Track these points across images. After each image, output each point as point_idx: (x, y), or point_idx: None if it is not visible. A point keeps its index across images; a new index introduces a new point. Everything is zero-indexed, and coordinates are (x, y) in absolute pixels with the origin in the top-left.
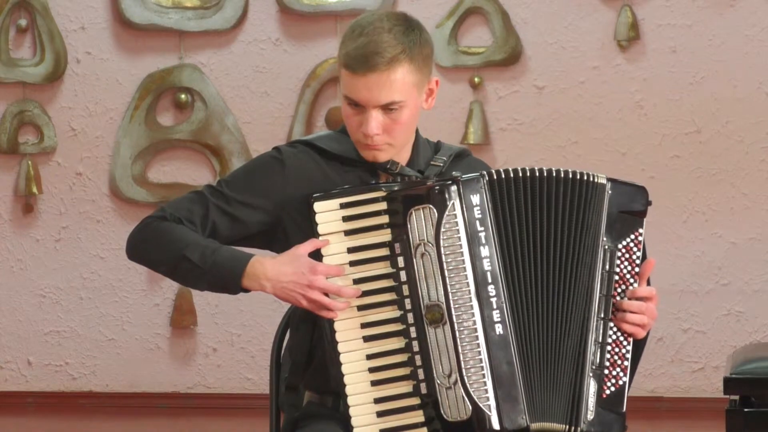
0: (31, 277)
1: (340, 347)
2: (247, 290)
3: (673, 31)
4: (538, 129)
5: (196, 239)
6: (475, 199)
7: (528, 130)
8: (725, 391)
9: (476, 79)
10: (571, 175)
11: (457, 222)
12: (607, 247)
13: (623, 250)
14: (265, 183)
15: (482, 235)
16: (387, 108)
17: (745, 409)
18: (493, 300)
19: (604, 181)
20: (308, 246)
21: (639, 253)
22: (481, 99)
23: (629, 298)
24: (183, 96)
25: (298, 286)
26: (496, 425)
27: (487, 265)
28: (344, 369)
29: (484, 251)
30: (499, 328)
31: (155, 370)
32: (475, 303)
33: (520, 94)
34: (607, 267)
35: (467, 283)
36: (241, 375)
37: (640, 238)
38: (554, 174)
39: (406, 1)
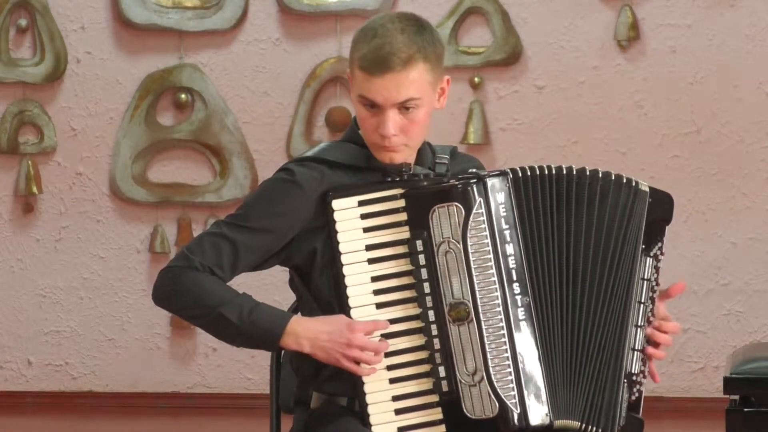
0: (31, 277)
1: None
2: (283, 348)
3: (673, 31)
4: (538, 129)
5: (231, 296)
6: (500, 197)
7: (528, 130)
8: (725, 391)
9: (476, 79)
10: (615, 177)
11: (483, 220)
12: (644, 255)
13: (652, 258)
14: (286, 207)
15: (507, 233)
16: (404, 107)
17: (745, 409)
18: (518, 298)
19: (647, 188)
20: (356, 323)
21: (663, 259)
22: (481, 99)
23: (655, 328)
24: (183, 96)
25: (336, 345)
26: (521, 422)
27: (512, 263)
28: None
29: (509, 249)
30: (524, 326)
31: (155, 370)
32: (500, 301)
33: (520, 94)
34: (646, 275)
35: (493, 280)
36: (241, 375)
37: (663, 247)
38: (589, 173)
39: (406, 1)
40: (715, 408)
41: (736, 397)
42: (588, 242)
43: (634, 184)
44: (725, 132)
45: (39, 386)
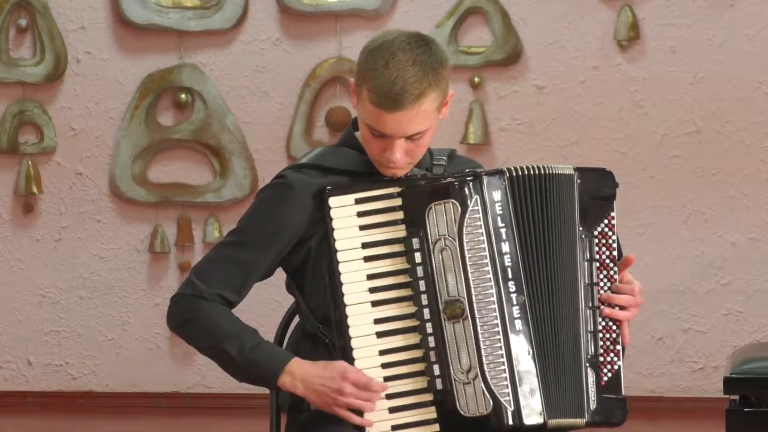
0: (31, 277)
1: (354, 343)
2: (280, 388)
3: (673, 31)
4: (538, 129)
5: (236, 331)
6: (497, 195)
7: (528, 130)
8: (725, 391)
9: (476, 79)
10: (547, 170)
11: (479, 217)
12: (584, 236)
13: (599, 237)
14: (286, 217)
15: (503, 231)
16: (412, 137)
17: (745, 409)
18: (513, 296)
19: (570, 171)
20: (350, 372)
21: (614, 237)
22: (481, 99)
23: (613, 292)
24: (183, 96)
25: (328, 390)
26: (514, 421)
27: (507, 261)
28: (357, 365)
29: (505, 247)
30: (518, 324)
31: (155, 370)
32: (495, 298)
33: (520, 94)
34: (587, 255)
35: (489, 278)
36: None
37: (613, 222)
38: (543, 170)
39: (406, 1)
40: (715, 408)
41: (736, 397)
42: (552, 238)
43: (552, 170)
44: (725, 132)
45: (39, 386)
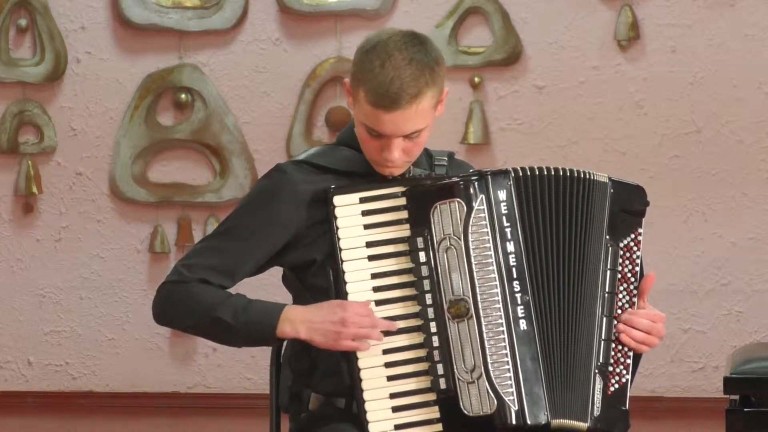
0: (31, 277)
1: None
2: (281, 339)
3: (673, 31)
4: (538, 129)
5: (225, 298)
6: (502, 194)
7: (528, 130)
8: (725, 391)
9: (476, 79)
10: (576, 174)
11: (484, 217)
12: (609, 245)
13: (624, 249)
14: (277, 212)
15: (508, 230)
16: (409, 136)
17: (745, 409)
18: (518, 296)
19: (605, 179)
20: (348, 303)
21: (639, 253)
22: (481, 99)
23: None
24: (183, 96)
25: (331, 325)
26: (518, 420)
27: (512, 260)
28: (360, 364)
29: (510, 247)
30: (523, 324)
31: (155, 370)
32: (500, 298)
33: (520, 94)
34: (610, 265)
35: (494, 277)
36: (241, 375)
37: (639, 238)
38: (562, 172)
39: (406, 1)
40: (715, 408)
41: (736, 397)
42: (570, 240)
43: (588, 176)
44: (725, 132)
45: (39, 386)
